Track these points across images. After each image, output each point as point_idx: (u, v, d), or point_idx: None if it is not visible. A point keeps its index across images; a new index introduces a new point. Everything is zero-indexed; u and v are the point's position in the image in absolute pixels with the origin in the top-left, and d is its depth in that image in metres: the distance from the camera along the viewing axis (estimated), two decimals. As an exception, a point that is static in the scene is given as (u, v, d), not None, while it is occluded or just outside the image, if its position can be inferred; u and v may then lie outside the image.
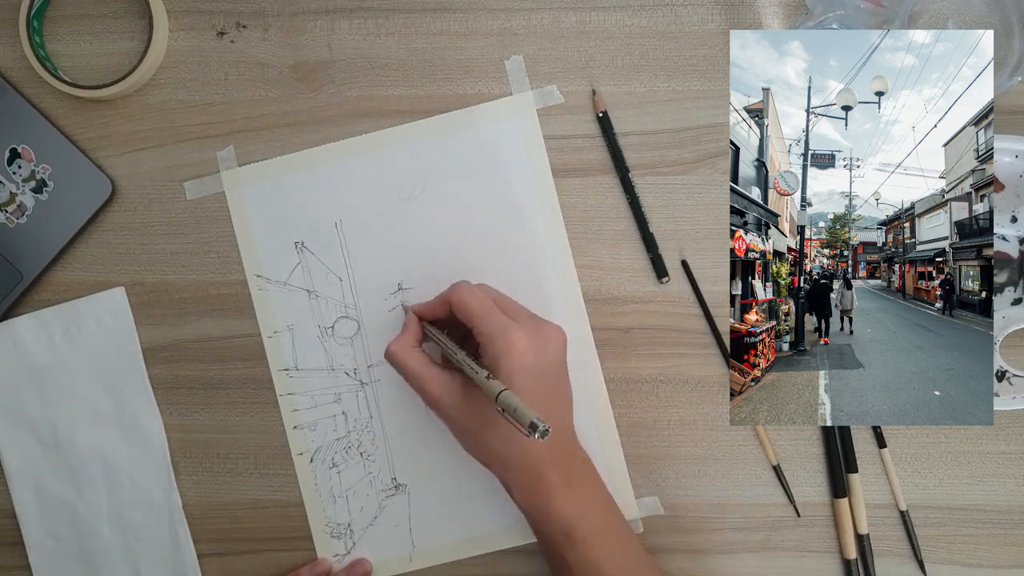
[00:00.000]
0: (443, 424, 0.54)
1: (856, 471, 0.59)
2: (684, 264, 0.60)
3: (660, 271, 0.60)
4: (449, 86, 0.61)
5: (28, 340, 0.60)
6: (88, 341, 0.60)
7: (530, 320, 0.53)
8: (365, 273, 0.61)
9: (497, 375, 0.48)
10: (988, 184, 1.85)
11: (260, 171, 0.61)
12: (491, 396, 0.46)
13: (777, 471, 0.59)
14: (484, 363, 0.50)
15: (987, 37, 0.57)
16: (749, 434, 0.60)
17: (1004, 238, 0.60)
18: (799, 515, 0.59)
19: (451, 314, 0.54)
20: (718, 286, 0.60)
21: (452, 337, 0.54)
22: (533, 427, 0.42)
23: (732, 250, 0.61)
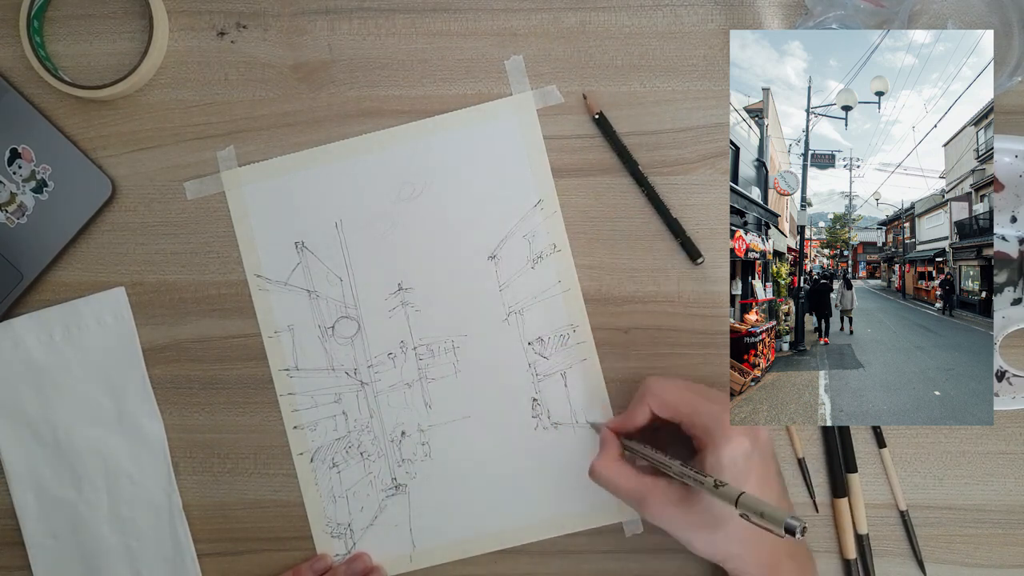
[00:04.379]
0: (667, 530, 0.51)
1: (856, 471, 0.59)
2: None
3: (693, 253, 0.59)
4: (449, 86, 0.61)
5: (28, 340, 0.60)
6: (89, 341, 0.60)
7: (729, 403, 0.52)
8: (365, 273, 0.61)
9: (719, 464, 0.48)
10: (988, 184, 1.85)
11: (260, 171, 0.61)
12: (730, 502, 0.44)
13: (802, 464, 0.59)
14: (701, 457, 0.49)
15: (987, 37, 0.57)
16: (749, 434, 0.60)
17: (1004, 238, 0.60)
18: (817, 511, 0.59)
19: (649, 420, 0.53)
20: (718, 286, 0.60)
21: (648, 443, 0.53)
22: (790, 529, 0.40)
23: (732, 250, 0.61)
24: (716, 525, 0.49)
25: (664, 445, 0.52)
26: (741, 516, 0.43)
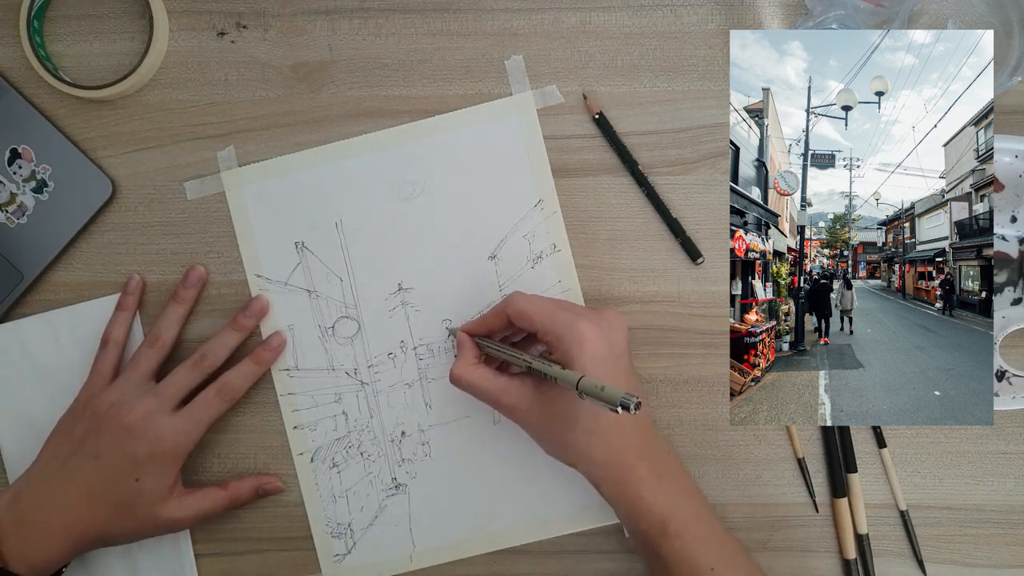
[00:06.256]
0: (523, 431, 0.53)
1: (856, 471, 0.59)
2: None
3: (693, 253, 0.60)
4: (449, 86, 0.61)
5: (34, 341, 0.60)
6: (94, 343, 0.60)
7: (590, 311, 0.53)
8: (365, 273, 0.61)
9: (570, 368, 0.48)
10: (988, 184, 1.85)
11: (260, 171, 0.61)
12: (571, 384, 0.45)
13: (801, 464, 0.59)
14: (553, 360, 0.50)
15: (987, 37, 0.57)
16: (749, 434, 0.60)
17: (1004, 238, 0.60)
18: (817, 511, 0.60)
19: (503, 327, 0.54)
20: (718, 286, 0.60)
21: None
22: (624, 405, 0.41)
23: (732, 250, 0.61)
24: (567, 424, 0.50)
25: (522, 349, 0.53)
26: (582, 397, 0.44)
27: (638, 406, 0.41)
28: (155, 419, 0.54)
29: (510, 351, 0.53)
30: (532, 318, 0.51)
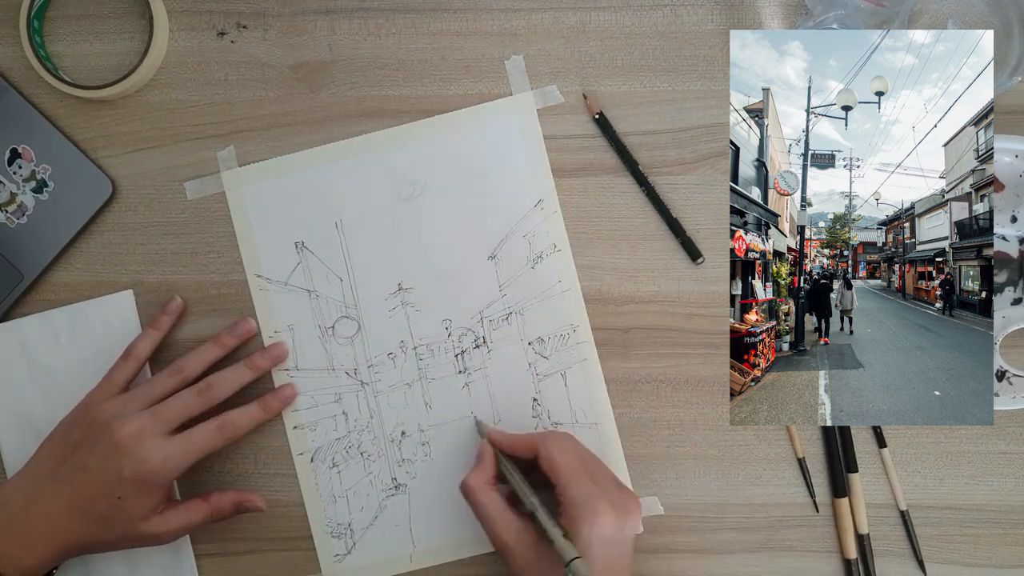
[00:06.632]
0: (507, 568, 0.52)
1: (856, 471, 0.59)
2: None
3: (693, 253, 0.60)
4: (449, 86, 0.61)
5: (34, 340, 0.60)
6: (93, 343, 0.60)
7: (615, 488, 0.52)
8: (365, 273, 0.61)
9: (574, 539, 0.48)
10: (988, 184, 1.85)
11: (260, 171, 0.61)
12: (564, 559, 0.46)
13: (802, 464, 0.59)
14: (561, 521, 0.50)
15: (987, 37, 0.57)
16: (749, 434, 0.60)
17: (1004, 238, 0.60)
18: (818, 511, 0.60)
19: (530, 460, 0.53)
20: (718, 286, 0.60)
21: (524, 475, 0.54)
22: None
23: (732, 250, 0.61)
24: None
25: (540, 482, 0.53)
26: (567, 571, 0.46)
27: None
28: (146, 439, 0.52)
29: (524, 489, 0.52)
30: (558, 472, 0.51)
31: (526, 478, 0.53)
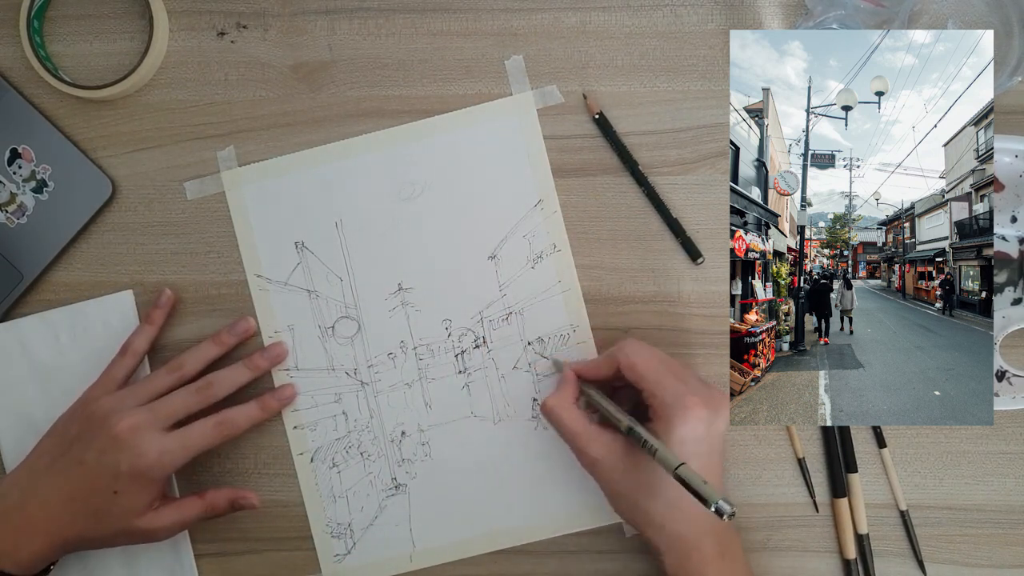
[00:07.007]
0: (597, 484, 0.53)
1: (856, 471, 0.59)
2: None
3: (693, 253, 0.59)
4: (449, 86, 0.61)
5: (34, 340, 0.60)
6: (93, 343, 0.60)
7: (702, 385, 0.52)
8: (365, 273, 0.61)
9: (668, 441, 0.48)
10: (988, 184, 1.85)
11: (260, 171, 0.61)
12: (670, 469, 0.46)
13: (802, 464, 0.59)
14: (653, 427, 0.50)
15: (987, 37, 0.57)
16: (749, 434, 0.60)
17: (1004, 238, 0.60)
18: (818, 511, 0.60)
19: (611, 375, 0.53)
20: (718, 286, 0.60)
21: (608, 396, 0.54)
22: (720, 511, 0.42)
23: (732, 250, 0.61)
24: (649, 492, 0.49)
25: (623, 402, 0.53)
26: (679, 483, 0.45)
27: (732, 515, 0.42)
28: (143, 434, 0.53)
29: (613, 408, 0.52)
30: (643, 376, 0.51)
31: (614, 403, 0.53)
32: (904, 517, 0.59)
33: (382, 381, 0.61)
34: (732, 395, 0.61)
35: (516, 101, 0.60)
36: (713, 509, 0.42)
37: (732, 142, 0.62)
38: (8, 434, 0.60)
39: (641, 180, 0.60)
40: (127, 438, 0.52)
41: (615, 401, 0.53)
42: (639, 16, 0.61)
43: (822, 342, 1.72)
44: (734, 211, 1.29)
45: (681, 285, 0.60)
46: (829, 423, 0.80)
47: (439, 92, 0.61)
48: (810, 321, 1.78)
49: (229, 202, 0.61)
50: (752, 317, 1.31)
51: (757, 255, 1.43)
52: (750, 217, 1.45)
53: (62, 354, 0.60)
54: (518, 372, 0.60)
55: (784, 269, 1.67)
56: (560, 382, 0.55)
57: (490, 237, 0.60)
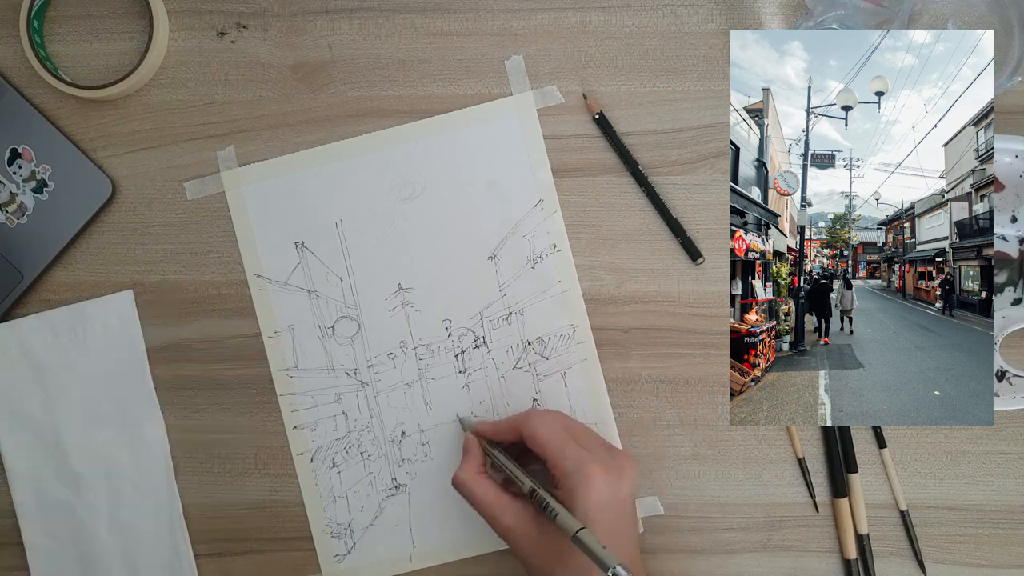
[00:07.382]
0: (512, 551, 0.52)
1: (856, 471, 0.59)
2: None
3: (693, 253, 0.60)
4: (449, 86, 0.61)
5: (34, 340, 0.60)
6: (93, 343, 0.60)
7: (604, 451, 0.52)
8: (365, 273, 0.61)
9: (572, 509, 0.48)
10: (988, 184, 1.85)
11: (260, 171, 0.61)
12: (569, 532, 0.46)
13: (802, 464, 0.60)
14: (557, 495, 0.50)
15: (987, 37, 0.57)
16: (749, 434, 0.60)
17: (1004, 238, 0.60)
18: (818, 511, 0.60)
19: (514, 440, 0.54)
20: (718, 286, 0.60)
21: (512, 457, 0.54)
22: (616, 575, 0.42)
23: (732, 250, 0.61)
24: (559, 559, 0.49)
25: (529, 463, 0.53)
26: (577, 549, 0.45)
27: None
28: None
29: (516, 471, 0.52)
30: (544, 447, 0.51)
31: (517, 463, 0.53)
32: (904, 517, 0.59)
33: (382, 381, 0.61)
34: (732, 395, 0.61)
35: (516, 101, 0.60)
36: (610, 574, 0.42)
37: (732, 142, 0.62)
38: (8, 434, 0.60)
39: (641, 180, 0.60)
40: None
41: (533, 460, 0.53)
42: (639, 16, 0.61)
43: (822, 342, 1.72)
44: (734, 211, 1.29)
45: (681, 285, 0.60)
46: (829, 423, 0.80)
47: (439, 92, 0.61)
48: (810, 321, 1.78)
49: (229, 202, 0.61)
50: (752, 317, 1.31)
51: (757, 255, 1.43)
52: (750, 217, 1.45)
53: (62, 354, 0.60)
54: (518, 372, 0.60)
55: (784, 269, 1.67)
56: (465, 450, 0.55)
57: (490, 237, 0.60)
